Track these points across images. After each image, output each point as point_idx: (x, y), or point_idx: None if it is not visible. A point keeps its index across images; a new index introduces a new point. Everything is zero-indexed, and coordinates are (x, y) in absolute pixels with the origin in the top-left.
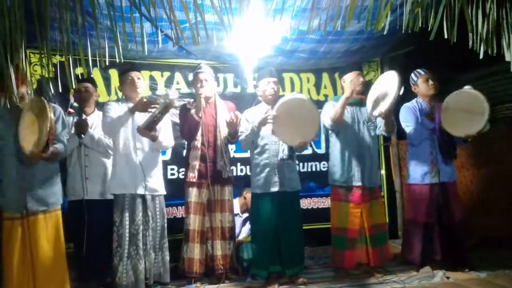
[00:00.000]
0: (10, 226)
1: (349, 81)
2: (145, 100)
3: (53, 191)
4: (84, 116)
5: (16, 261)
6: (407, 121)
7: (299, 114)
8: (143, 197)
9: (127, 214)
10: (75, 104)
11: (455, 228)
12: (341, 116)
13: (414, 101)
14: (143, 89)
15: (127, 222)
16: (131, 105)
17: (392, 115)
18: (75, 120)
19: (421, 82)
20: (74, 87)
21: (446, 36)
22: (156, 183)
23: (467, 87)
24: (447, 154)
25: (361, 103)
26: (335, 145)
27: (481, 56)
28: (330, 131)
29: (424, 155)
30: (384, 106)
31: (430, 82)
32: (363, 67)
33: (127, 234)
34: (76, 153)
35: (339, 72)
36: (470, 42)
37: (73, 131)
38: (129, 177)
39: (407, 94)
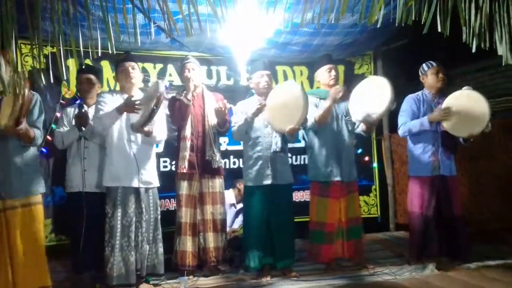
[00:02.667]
0: None
1: (321, 79)
2: (131, 99)
3: (30, 179)
4: (85, 108)
5: None
6: (404, 111)
7: (289, 100)
8: (136, 189)
9: (119, 206)
10: (67, 96)
11: (455, 222)
12: (326, 120)
13: (420, 92)
14: (138, 79)
15: (119, 214)
16: (125, 96)
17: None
18: (75, 112)
19: (430, 73)
20: (65, 78)
21: (439, 30)
22: (150, 176)
23: (466, 88)
24: (449, 147)
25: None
26: (314, 140)
27: (473, 50)
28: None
29: (426, 147)
30: (373, 117)
31: (440, 75)
32: (355, 60)
33: (119, 226)
34: (76, 145)
35: (313, 67)
36: (464, 36)
37: (73, 123)
38: (123, 169)
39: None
